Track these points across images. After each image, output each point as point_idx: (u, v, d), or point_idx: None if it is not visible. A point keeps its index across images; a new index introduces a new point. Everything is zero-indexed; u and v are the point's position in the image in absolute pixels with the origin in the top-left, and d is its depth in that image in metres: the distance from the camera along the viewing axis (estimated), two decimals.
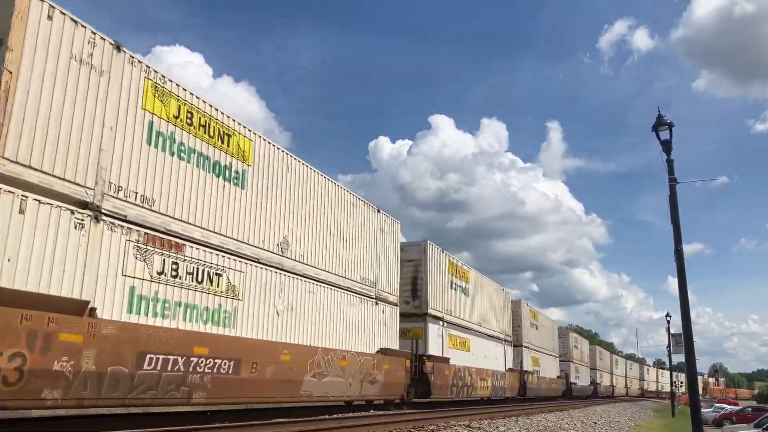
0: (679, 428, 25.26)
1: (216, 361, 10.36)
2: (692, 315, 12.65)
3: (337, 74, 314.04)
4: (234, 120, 11.93)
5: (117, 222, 9.06)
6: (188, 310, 10.25)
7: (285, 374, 12.33)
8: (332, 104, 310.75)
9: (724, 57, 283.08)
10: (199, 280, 10.56)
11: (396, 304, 18.34)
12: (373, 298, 16.93)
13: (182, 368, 9.64)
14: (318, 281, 14.35)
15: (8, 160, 7.54)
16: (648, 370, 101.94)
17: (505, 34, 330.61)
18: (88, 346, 8.01)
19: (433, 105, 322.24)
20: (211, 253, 10.93)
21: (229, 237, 11.42)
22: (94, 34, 8.88)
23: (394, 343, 17.88)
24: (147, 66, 9.89)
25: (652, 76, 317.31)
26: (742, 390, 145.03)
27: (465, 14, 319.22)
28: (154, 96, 9.97)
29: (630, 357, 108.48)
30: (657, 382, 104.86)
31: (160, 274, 9.71)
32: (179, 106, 10.49)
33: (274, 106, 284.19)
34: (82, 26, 8.70)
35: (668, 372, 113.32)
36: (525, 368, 33.50)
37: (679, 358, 42.07)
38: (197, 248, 10.58)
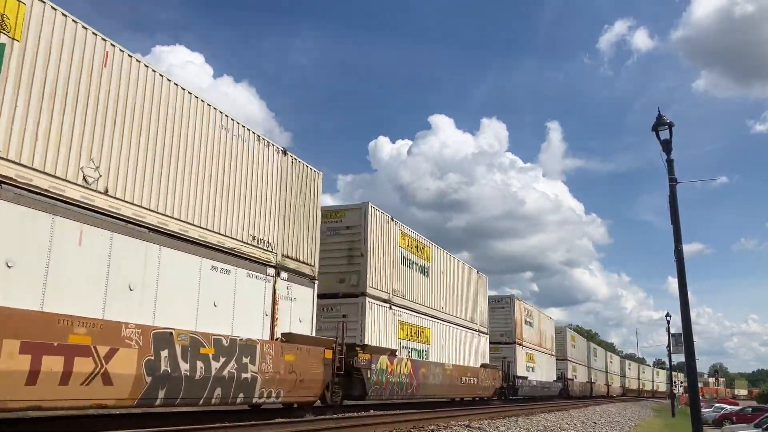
0: (679, 428, 25.25)
1: None
2: (692, 315, 12.62)
3: (337, 74, 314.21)
4: None
5: None
6: None
7: None
8: (332, 104, 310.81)
9: (724, 57, 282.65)
10: None
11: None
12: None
13: None
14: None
15: None
16: (629, 365, 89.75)
17: (505, 34, 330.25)
18: None
19: (433, 105, 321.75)
20: None
21: None
22: None
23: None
24: None
25: (652, 76, 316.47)
26: (726, 389, 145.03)
27: (465, 14, 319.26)
28: None
29: (630, 357, 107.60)
30: (638, 379, 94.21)
31: None
32: None
33: (274, 106, 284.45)
34: None
35: (650, 368, 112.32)
36: (375, 343, 16.88)
37: (679, 358, 42.15)
38: None
